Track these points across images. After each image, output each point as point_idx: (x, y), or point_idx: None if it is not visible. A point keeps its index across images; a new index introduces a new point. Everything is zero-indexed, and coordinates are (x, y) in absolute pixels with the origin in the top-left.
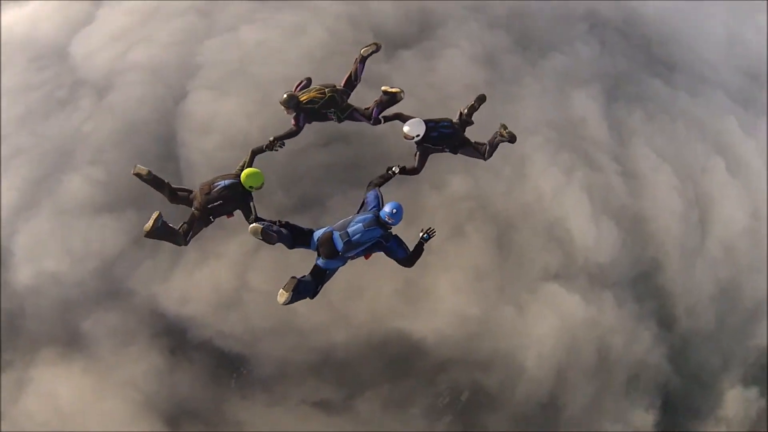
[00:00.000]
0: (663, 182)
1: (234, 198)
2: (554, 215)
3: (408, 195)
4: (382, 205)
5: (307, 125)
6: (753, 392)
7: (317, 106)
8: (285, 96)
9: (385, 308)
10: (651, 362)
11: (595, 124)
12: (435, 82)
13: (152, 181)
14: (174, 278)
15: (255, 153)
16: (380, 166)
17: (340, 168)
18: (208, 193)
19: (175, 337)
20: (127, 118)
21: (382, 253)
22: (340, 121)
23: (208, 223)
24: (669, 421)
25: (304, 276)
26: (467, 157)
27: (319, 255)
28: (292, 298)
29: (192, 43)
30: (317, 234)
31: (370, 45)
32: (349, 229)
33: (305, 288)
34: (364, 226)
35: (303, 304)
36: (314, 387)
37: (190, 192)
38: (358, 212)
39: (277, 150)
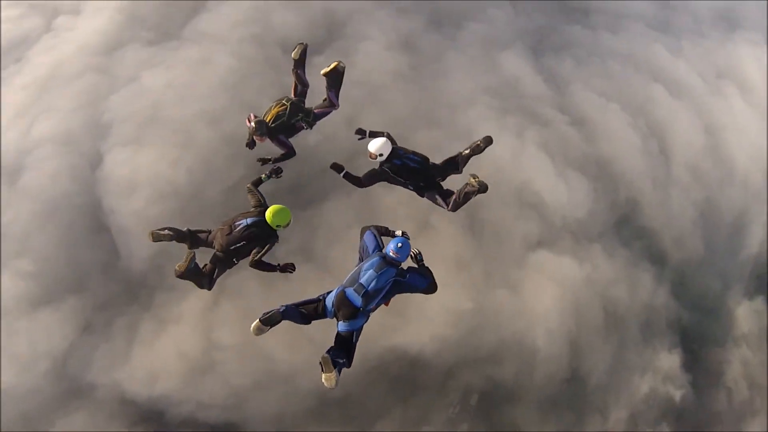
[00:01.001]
0: (614, 121)
1: (259, 236)
2: (519, 181)
3: (362, 200)
4: (382, 245)
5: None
6: (760, 303)
7: (286, 119)
8: (254, 124)
9: (372, 327)
10: (658, 303)
11: (530, 81)
12: (359, 78)
13: (175, 239)
14: (134, 357)
15: (257, 185)
16: (323, 179)
17: (282, 192)
18: (229, 234)
19: (154, 422)
20: (46, 198)
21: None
22: (311, 126)
23: (231, 265)
24: (692, 356)
25: (331, 348)
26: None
27: (338, 320)
28: (339, 375)
29: (96, 103)
30: (329, 299)
31: (296, 47)
32: (362, 281)
33: (340, 359)
34: (375, 271)
35: (277, 344)
36: None
37: (209, 232)
38: (360, 263)
39: (279, 177)
